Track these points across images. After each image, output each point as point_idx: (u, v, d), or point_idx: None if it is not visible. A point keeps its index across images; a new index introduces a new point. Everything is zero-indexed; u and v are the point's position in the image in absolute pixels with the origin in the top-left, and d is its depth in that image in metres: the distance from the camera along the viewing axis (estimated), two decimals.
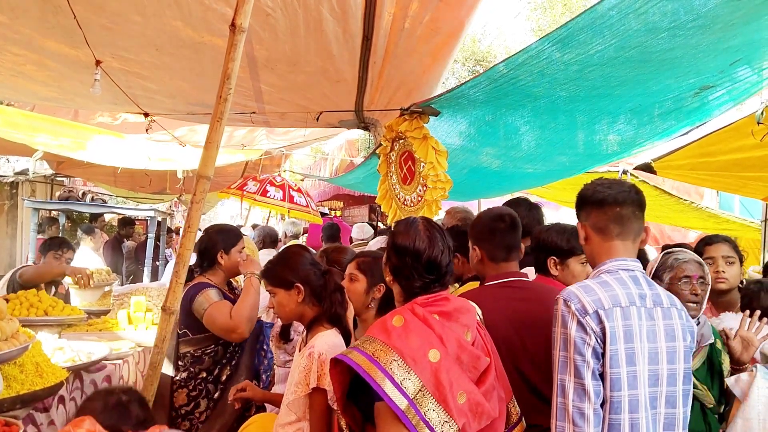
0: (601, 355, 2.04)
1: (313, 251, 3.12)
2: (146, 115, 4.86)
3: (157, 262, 7.67)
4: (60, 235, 7.32)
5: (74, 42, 3.55)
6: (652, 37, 2.56)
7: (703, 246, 3.63)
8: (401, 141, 5.01)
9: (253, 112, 4.62)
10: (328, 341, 2.47)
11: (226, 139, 8.12)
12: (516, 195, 5.53)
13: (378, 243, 7.82)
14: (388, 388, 1.75)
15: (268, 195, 9.26)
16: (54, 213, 8.53)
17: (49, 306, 3.32)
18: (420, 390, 1.76)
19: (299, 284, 2.60)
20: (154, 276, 7.19)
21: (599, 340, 2.03)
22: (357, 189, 10.82)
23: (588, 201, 2.27)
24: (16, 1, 3.24)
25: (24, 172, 12.18)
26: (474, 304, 2.14)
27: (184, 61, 3.84)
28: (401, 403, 1.74)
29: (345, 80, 4.26)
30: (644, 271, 2.27)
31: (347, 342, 2.58)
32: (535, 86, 3.18)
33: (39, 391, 2.20)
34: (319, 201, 16.06)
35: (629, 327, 2.07)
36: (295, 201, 9.68)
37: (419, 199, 4.82)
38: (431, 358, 1.80)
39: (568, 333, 2.04)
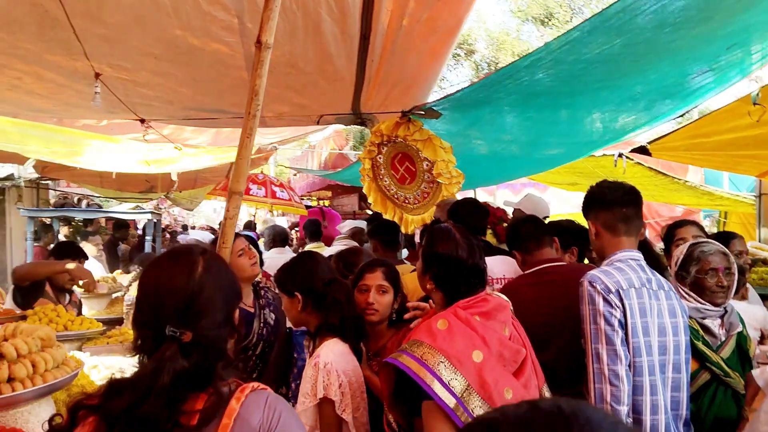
0: (623, 326, 2.39)
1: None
2: (142, 121, 4.84)
3: None
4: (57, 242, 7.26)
5: (72, 54, 3.53)
6: (659, 32, 2.61)
7: (675, 229, 3.85)
8: (390, 144, 5.08)
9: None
10: (333, 350, 2.47)
11: (212, 136, 8.09)
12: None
13: (347, 226, 7.89)
14: (437, 388, 1.85)
15: (250, 193, 9.34)
16: (47, 220, 8.47)
17: (68, 320, 3.33)
18: (466, 389, 1.87)
19: (298, 293, 2.63)
20: None
21: (622, 314, 2.39)
22: (354, 183, 10.86)
23: (597, 203, 2.66)
24: (14, 16, 3.21)
25: (9, 178, 12.04)
26: (506, 298, 2.21)
27: (183, 67, 3.83)
28: (450, 401, 1.84)
29: (343, 79, 4.27)
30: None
31: (355, 349, 2.61)
32: (539, 85, 3.22)
33: None
34: (308, 192, 16.06)
35: (642, 304, 2.45)
36: (277, 196, 9.73)
37: (425, 195, 4.89)
38: (475, 359, 1.90)
39: (596, 308, 2.39)
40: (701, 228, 4.07)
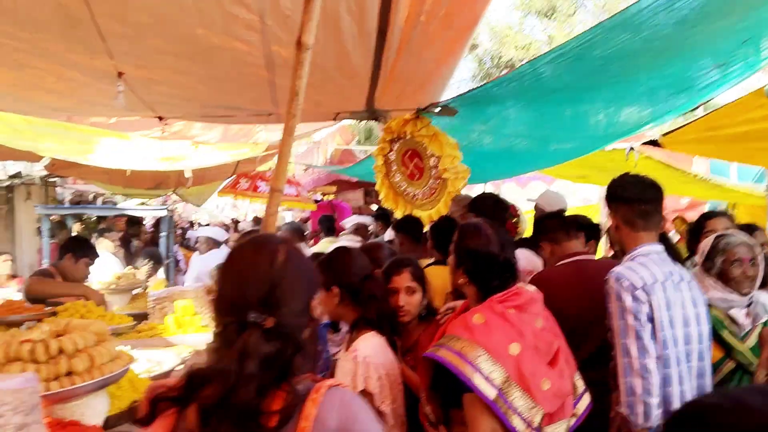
0: (651, 320, 2.47)
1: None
2: (161, 118, 4.89)
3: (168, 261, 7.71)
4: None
5: (94, 53, 3.57)
6: (679, 27, 2.65)
7: (704, 220, 3.90)
8: (401, 141, 5.15)
9: (270, 114, 4.66)
10: (371, 343, 2.50)
11: (222, 132, 8.14)
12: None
13: (351, 221, 8.00)
14: (478, 381, 1.90)
15: (258, 190, 9.41)
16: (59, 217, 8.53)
17: (100, 316, 3.38)
18: (506, 381, 1.92)
19: (335, 287, 2.65)
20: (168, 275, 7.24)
21: (649, 309, 2.47)
22: (365, 179, 10.92)
23: (618, 197, 2.72)
24: (38, 16, 3.25)
25: (18, 175, 12.09)
26: (537, 290, 2.27)
27: (203, 64, 3.87)
28: (491, 393, 1.89)
29: (358, 75, 4.30)
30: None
31: (390, 342, 2.65)
32: (558, 81, 3.27)
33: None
34: (314, 187, 16.09)
35: (667, 297, 2.53)
36: (284, 192, 9.78)
37: (433, 192, 4.96)
38: (512, 352, 1.95)
39: (624, 304, 2.47)
40: (731, 219, 4.15)
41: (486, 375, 1.91)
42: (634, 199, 2.64)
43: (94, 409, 2.03)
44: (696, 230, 3.96)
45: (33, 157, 6.72)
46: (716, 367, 2.73)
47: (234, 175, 11.45)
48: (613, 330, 2.52)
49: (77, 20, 3.19)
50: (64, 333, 2.10)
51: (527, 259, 3.75)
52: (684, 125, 4.74)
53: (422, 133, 4.73)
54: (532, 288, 2.28)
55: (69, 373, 1.98)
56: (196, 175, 9.51)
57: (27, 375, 1.52)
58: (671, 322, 2.50)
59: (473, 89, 3.74)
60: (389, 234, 7.03)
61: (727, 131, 4.61)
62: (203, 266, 6.92)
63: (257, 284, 1.37)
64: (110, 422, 2.17)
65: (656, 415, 2.39)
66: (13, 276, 6.72)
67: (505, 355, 1.95)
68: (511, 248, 2.21)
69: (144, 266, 6.74)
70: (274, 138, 8.86)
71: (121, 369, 2.12)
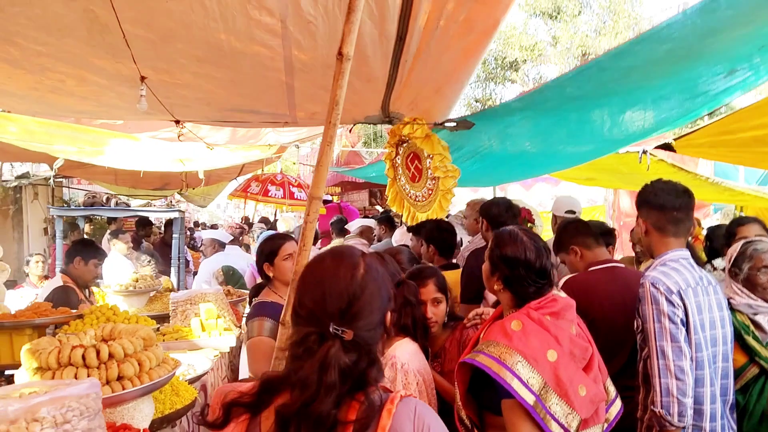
0: (684, 324, 2.55)
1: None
2: (177, 122, 4.92)
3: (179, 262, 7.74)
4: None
5: (117, 57, 3.61)
6: (704, 38, 2.68)
7: (736, 226, 3.93)
8: (405, 144, 5.22)
9: (287, 122, 4.70)
10: (407, 350, 2.52)
11: (230, 134, 8.18)
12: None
13: (357, 224, 8.07)
14: (517, 386, 1.93)
15: (269, 195, 9.48)
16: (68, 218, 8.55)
17: (124, 319, 3.42)
18: (544, 387, 1.95)
19: None
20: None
21: (683, 312, 2.55)
22: (375, 181, 10.97)
23: (650, 203, 2.79)
24: (65, 22, 3.29)
25: (25, 176, 12.14)
26: (570, 298, 2.31)
27: (224, 69, 3.90)
28: (530, 399, 1.92)
29: (376, 79, 4.34)
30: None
31: (423, 349, 2.68)
32: (579, 90, 3.30)
33: (181, 409, 2.36)
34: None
35: (698, 302, 2.62)
36: (295, 197, 9.88)
37: (429, 192, 5.03)
38: (550, 358, 1.98)
39: (660, 308, 2.56)
40: (764, 226, 4.21)
41: (525, 381, 1.95)
42: (667, 205, 2.72)
43: (142, 413, 2.07)
44: (728, 236, 4.01)
45: (48, 159, 6.75)
46: (740, 372, 2.79)
47: (239, 176, 11.50)
48: (647, 333, 2.59)
49: (104, 26, 3.23)
50: (110, 338, 2.14)
51: None
52: (696, 129, 4.77)
53: (417, 135, 4.81)
54: (564, 294, 2.31)
55: (119, 378, 2.02)
56: (205, 175, 9.58)
57: (91, 380, 1.55)
58: (702, 325, 2.59)
59: (494, 107, 3.78)
60: (397, 237, 7.08)
61: (740, 135, 4.64)
62: (209, 268, 6.94)
63: (338, 296, 1.39)
64: (154, 426, 2.21)
65: (690, 415, 2.49)
66: (46, 277, 6.76)
67: (543, 361, 1.99)
68: (546, 255, 2.24)
69: (146, 267, 6.78)
70: (284, 140, 8.90)
71: (168, 374, 2.16)
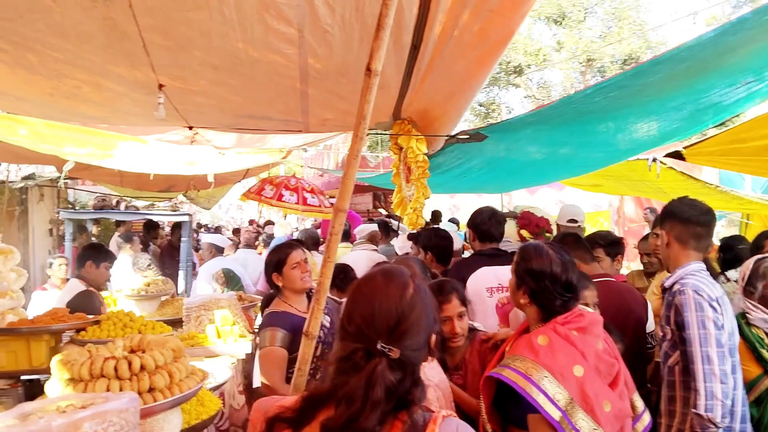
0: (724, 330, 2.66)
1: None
2: (190, 128, 4.95)
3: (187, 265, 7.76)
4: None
5: (135, 64, 3.64)
6: (723, 55, 2.70)
7: (763, 239, 3.97)
8: (404, 150, 5.24)
9: (300, 130, 4.72)
10: (429, 364, 2.44)
11: (237, 138, 8.20)
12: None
13: (365, 230, 8.08)
14: (542, 401, 1.94)
15: (283, 199, 9.47)
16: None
17: (141, 325, 3.44)
18: (570, 402, 1.96)
19: None
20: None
21: (722, 319, 2.65)
22: (385, 186, 10.99)
23: (675, 216, 2.92)
24: (83, 29, 3.31)
25: (31, 177, 12.17)
26: (596, 314, 2.34)
27: (239, 77, 3.93)
28: (555, 414, 1.93)
29: (388, 86, 4.35)
30: None
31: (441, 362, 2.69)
32: (594, 105, 3.32)
33: (207, 420, 2.39)
34: (324, 191, 16.17)
35: (727, 311, 2.74)
36: (308, 203, 9.90)
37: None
38: (576, 373, 1.99)
39: (705, 314, 2.63)
40: None
41: (551, 396, 1.96)
42: (692, 220, 2.86)
43: (171, 424, 2.08)
44: (754, 249, 4.07)
45: (56, 161, 6.77)
46: (753, 384, 2.83)
47: (244, 179, 11.49)
48: (690, 339, 2.65)
49: (123, 33, 3.26)
50: (138, 348, 2.16)
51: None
52: (706, 138, 4.80)
53: (400, 130, 4.85)
54: (590, 310, 2.33)
55: (150, 389, 2.04)
56: (206, 178, 9.59)
57: (130, 395, 1.57)
58: (731, 333, 2.70)
59: (507, 120, 3.80)
60: (399, 244, 7.10)
61: (751, 144, 4.66)
62: (208, 273, 6.94)
63: (387, 315, 1.41)
64: None
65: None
66: (68, 279, 6.76)
67: (569, 376, 2.00)
68: (573, 269, 2.25)
69: (146, 270, 6.78)
70: (291, 143, 8.93)
71: (198, 385, 2.17)
